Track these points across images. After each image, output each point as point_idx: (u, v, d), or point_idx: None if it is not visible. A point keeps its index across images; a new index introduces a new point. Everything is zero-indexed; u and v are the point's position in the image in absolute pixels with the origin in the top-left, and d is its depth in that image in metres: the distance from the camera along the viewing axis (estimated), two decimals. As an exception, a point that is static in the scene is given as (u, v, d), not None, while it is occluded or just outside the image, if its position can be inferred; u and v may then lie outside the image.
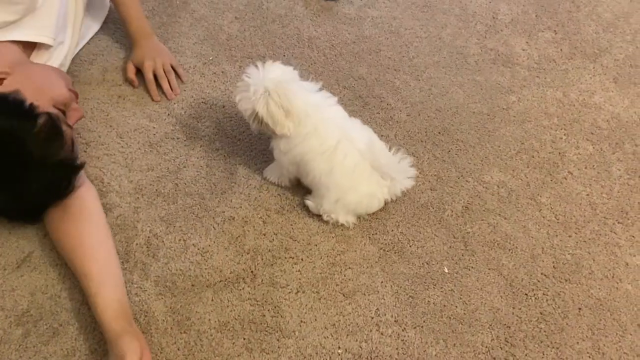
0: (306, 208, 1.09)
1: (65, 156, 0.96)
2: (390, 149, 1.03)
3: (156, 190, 1.12)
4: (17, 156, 0.90)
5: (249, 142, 1.19)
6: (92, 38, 1.33)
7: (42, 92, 0.96)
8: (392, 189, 1.03)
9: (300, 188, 1.12)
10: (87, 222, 1.00)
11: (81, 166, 1.00)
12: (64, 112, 1.01)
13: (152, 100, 1.24)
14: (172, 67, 1.27)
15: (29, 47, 1.10)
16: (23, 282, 1.00)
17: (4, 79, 0.95)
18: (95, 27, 1.35)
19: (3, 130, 0.89)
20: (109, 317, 0.89)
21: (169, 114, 1.22)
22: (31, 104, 0.92)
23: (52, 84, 1.01)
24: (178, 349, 0.94)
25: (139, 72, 1.26)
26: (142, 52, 1.25)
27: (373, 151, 0.99)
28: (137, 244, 1.05)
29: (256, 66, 0.97)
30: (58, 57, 1.16)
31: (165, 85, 1.25)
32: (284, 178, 1.11)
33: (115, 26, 1.37)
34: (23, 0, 1.04)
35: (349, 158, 0.99)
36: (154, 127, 1.20)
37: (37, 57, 1.11)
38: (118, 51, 1.32)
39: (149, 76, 1.24)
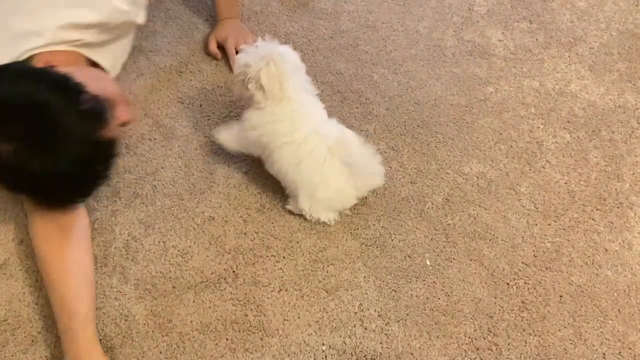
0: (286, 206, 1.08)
1: (105, 140, 0.92)
2: (368, 146, 1.03)
3: (134, 192, 1.10)
4: (52, 126, 0.85)
5: (227, 141, 1.18)
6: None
7: (92, 80, 0.93)
8: (360, 187, 1.02)
9: (280, 187, 1.11)
10: (78, 239, 0.97)
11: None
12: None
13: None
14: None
15: None
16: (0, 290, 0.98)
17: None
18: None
19: (40, 100, 0.85)
20: (89, 334, 0.90)
21: (145, 115, 1.21)
22: (79, 82, 0.89)
23: (105, 80, 1.03)
24: (160, 352, 0.93)
25: (220, 47, 1.31)
26: (225, 29, 1.31)
27: (343, 143, 0.99)
28: (115, 247, 1.03)
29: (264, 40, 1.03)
30: None
31: None
32: (242, 149, 1.09)
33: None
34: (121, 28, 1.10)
35: (316, 152, 0.99)
36: (130, 128, 1.18)
37: None
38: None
39: (232, 51, 1.28)
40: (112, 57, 1.15)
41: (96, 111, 0.90)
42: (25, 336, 0.93)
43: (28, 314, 0.96)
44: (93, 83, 0.93)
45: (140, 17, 1.15)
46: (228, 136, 1.10)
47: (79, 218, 1.00)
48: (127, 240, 1.04)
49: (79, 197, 0.96)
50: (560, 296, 1.01)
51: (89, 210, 1.06)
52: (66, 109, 0.87)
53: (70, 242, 0.96)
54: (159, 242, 1.04)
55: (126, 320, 0.96)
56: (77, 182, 0.91)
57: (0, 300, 0.97)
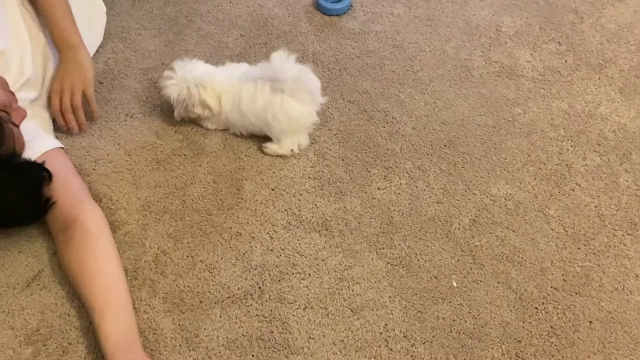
0: (313, 222, 1.09)
1: (15, 154, 0.96)
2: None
3: (164, 207, 1.12)
4: None
5: (255, 158, 1.20)
6: (98, 56, 1.35)
7: None
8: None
9: (308, 204, 1.12)
10: (87, 251, 0.98)
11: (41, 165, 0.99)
12: (7, 113, 0.99)
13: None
14: (85, 95, 1.16)
15: None
16: (33, 301, 1.00)
17: None
18: (94, 42, 1.32)
19: None
20: (109, 350, 0.89)
21: (175, 131, 1.24)
22: None
23: None
24: (186, 367, 0.94)
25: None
26: (57, 71, 1.15)
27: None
28: (145, 260, 1.05)
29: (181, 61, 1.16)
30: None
31: (68, 118, 1.15)
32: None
33: (125, 44, 1.39)
34: None
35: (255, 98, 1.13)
36: (161, 144, 1.21)
37: None
38: (126, 69, 1.34)
39: (54, 104, 1.14)
40: None
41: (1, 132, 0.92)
42: (57, 347, 0.95)
43: (60, 324, 0.98)
44: None
45: None
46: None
47: (87, 228, 1.00)
48: (156, 254, 1.06)
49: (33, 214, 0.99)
50: (590, 322, 0.99)
51: (121, 223, 1.09)
52: None
53: (87, 254, 0.98)
54: (188, 256, 1.06)
55: (154, 333, 0.97)
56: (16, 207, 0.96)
57: (33, 311, 0.99)
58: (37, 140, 1.05)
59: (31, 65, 1.12)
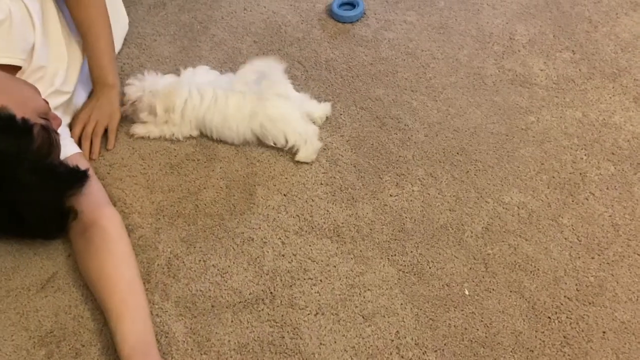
0: (325, 229, 1.10)
1: (61, 163, 0.99)
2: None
3: (177, 211, 1.13)
4: (21, 173, 0.91)
5: (267, 163, 1.20)
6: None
7: (25, 105, 0.95)
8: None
9: (320, 211, 1.13)
10: (107, 254, 0.99)
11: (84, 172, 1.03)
12: (47, 120, 1.01)
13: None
14: (107, 129, 1.22)
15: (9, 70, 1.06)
16: (47, 303, 1.01)
17: None
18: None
19: (6, 151, 0.89)
20: (126, 353, 0.89)
21: (189, 136, 1.25)
22: (22, 118, 0.92)
23: (30, 95, 1.01)
24: (198, 371, 0.94)
25: None
26: (88, 103, 1.23)
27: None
28: (158, 264, 1.06)
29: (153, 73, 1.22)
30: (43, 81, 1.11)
31: (85, 145, 1.19)
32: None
33: (140, 50, 1.41)
34: None
35: (230, 99, 1.18)
36: (175, 149, 1.23)
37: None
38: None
39: (75, 131, 1.19)
40: (12, 48, 1.04)
41: (49, 141, 0.95)
42: (70, 349, 0.96)
43: (73, 326, 0.99)
44: (27, 108, 0.94)
45: None
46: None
47: (107, 230, 1.02)
48: (169, 257, 1.07)
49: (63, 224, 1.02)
50: (604, 332, 0.98)
51: (135, 227, 1.10)
52: (27, 153, 0.91)
53: (102, 255, 0.99)
54: (200, 260, 1.07)
55: (166, 337, 0.98)
56: (54, 212, 0.99)
57: (47, 313, 1.00)
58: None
59: (63, 79, 1.16)
